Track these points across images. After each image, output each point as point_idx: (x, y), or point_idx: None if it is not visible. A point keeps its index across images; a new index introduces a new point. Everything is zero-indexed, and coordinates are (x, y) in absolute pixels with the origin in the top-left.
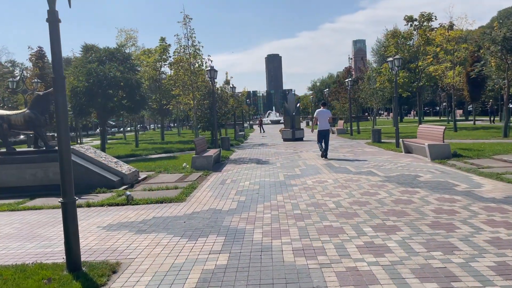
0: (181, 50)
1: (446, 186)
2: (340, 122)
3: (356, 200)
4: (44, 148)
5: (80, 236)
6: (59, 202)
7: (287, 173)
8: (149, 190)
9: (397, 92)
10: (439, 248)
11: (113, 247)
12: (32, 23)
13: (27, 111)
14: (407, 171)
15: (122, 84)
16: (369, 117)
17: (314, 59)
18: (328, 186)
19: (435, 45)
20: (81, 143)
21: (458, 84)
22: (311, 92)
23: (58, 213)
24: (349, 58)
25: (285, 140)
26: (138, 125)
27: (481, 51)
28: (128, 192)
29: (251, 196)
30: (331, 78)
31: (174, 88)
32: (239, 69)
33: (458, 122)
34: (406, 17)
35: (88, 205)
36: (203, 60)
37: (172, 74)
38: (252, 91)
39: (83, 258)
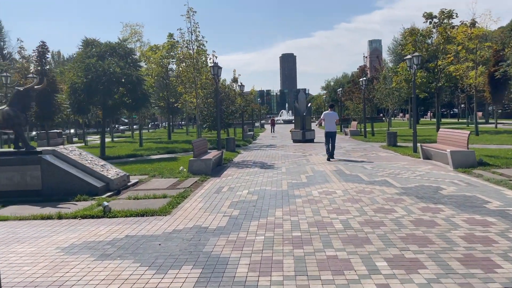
0: (184, 45)
1: (475, 203)
2: (354, 123)
3: (368, 219)
4: (24, 149)
5: (30, 261)
6: None
7: (292, 180)
8: (134, 199)
9: (415, 92)
10: None
11: (61, 280)
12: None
13: (6, 108)
14: (427, 181)
15: (123, 80)
16: (384, 118)
17: (329, 59)
18: (336, 199)
19: (456, 44)
20: (85, 141)
21: (480, 85)
22: (325, 91)
23: (24, 226)
24: (364, 56)
25: (294, 141)
26: (150, 123)
27: (506, 50)
28: (105, 203)
29: (246, 209)
30: (345, 78)
31: (178, 86)
32: (253, 68)
33: (479, 125)
34: (425, 14)
35: (59, 217)
36: (207, 56)
37: (175, 70)
38: (266, 90)
39: None
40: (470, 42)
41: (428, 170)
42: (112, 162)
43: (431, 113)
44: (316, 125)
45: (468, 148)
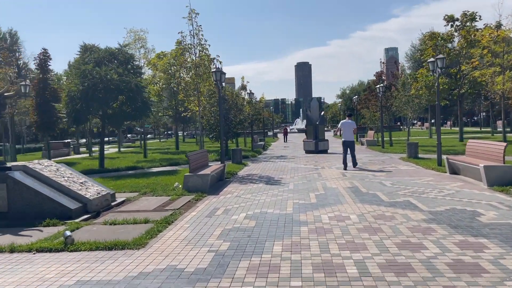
0: (186, 49)
1: None
2: (370, 133)
3: (391, 259)
4: None
5: None
6: None
7: (299, 200)
8: (110, 224)
9: (439, 99)
10: None
11: None
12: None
13: None
14: (459, 203)
15: (122, 88)
16: (401, 127)
17: (344, 67)
18: (350, 227)
19: (481, 47)
20: (90, 151)
21: (508, 91)
22: (340, 100)
23: None
24: (381, 62)
25: (307, 152)
26: (164, 132)
27: None
28: (68, 232)
29: (239, 241)
30: (361, 86)
31: (180, 93)
32: (268, 77)
33: (507, 135)
34: (446, 17)
35: (11, 250)
36: (210, 60)
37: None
38: (281, 99)
39: None
40: (497, 45)
41: (458, 188)
42: (109, 175)
43: (451, 122)
44: (334, 134)
45: (504, 163)
